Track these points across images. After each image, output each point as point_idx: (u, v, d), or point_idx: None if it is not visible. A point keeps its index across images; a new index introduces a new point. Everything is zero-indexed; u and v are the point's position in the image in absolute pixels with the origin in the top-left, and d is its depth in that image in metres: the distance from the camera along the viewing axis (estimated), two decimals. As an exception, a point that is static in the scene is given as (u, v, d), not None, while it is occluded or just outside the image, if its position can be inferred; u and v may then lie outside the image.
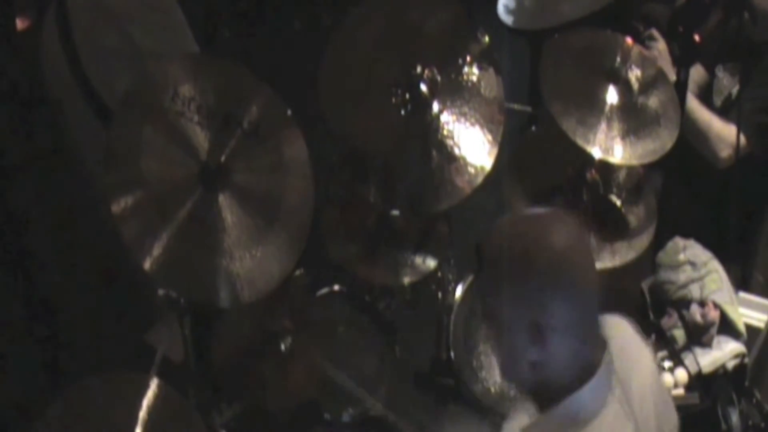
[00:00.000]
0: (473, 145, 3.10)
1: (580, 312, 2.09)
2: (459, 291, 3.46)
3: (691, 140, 3.66)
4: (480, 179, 3.08)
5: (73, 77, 3.25)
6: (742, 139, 3.60)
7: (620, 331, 2.28)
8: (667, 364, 3.34)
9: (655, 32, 3.71)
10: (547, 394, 2.14)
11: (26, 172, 3.48)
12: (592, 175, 3.37)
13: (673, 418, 2.37)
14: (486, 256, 2.14)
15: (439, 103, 3.12)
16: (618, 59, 3.29)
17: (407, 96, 3.12)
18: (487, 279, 2.16)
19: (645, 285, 3.56)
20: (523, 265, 2.06)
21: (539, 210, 2.21)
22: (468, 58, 3.15)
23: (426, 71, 3.12)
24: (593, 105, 3.23)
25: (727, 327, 3.42)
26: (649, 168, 3.45)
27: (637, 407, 2.18)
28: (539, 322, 2.05)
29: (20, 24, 3.50)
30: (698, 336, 3.39)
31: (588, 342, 2.12)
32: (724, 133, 3.65)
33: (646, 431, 2.20)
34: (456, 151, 3.10)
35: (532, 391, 2.18)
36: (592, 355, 2.13)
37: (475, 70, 3.15)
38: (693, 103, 3.68)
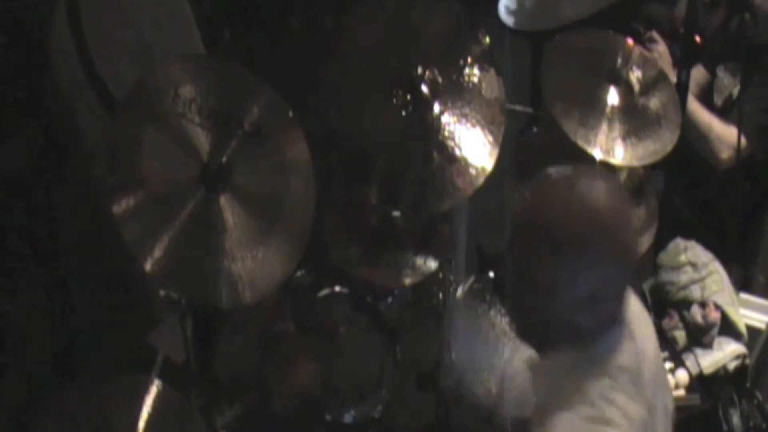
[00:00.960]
0: (474, 146, 3.10)
1: (626, 277, 2.12)
2: (460, 292, 3.46)
3: (692, 142, 3.66)
4: (481, 180, 3.08)
5: (82, 69, 3.26)
6: (743, 140, 3.61)
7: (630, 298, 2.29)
8: (668, 365, 3.34)
9: (655, 34, 3.72)
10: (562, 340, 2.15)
11: (31, 172, 3.49)
12: (593, 176, 3.37)
13: (669, 386, 2.40)
14: (530, 219, 2.09)
15: (440, 104, 3.12)
16: (619, 60, 3.29)
17: (408, 97, 3.12)
18: (530, 247, 2.09)
19: (646, 286, 3.57)
20: (579, 235, 2.02)
21: (572, 171, 2.17)
22: (469, 59, 3.15)
23: (427, 72, 3.11)
24: (594, 106, 3.24)
25: (728, 328, 3.42)
26: (650, 169, 3.45)
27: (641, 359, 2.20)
28: (596, 294, 2.05)
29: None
30: (699, 337, 3.40)
31: (619, 310, 2.15)
32: (724, 134, 3.65)
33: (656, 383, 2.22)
34: (457, 152, 3.09)
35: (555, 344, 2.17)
36: (619, 309, 2.16)
37: (476, 71, 3.15)
38: (693, 105, 3.68)
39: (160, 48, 3.33)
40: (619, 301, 2.14)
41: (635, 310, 2.29)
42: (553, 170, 2.17)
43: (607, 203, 2.06)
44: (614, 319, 2.15)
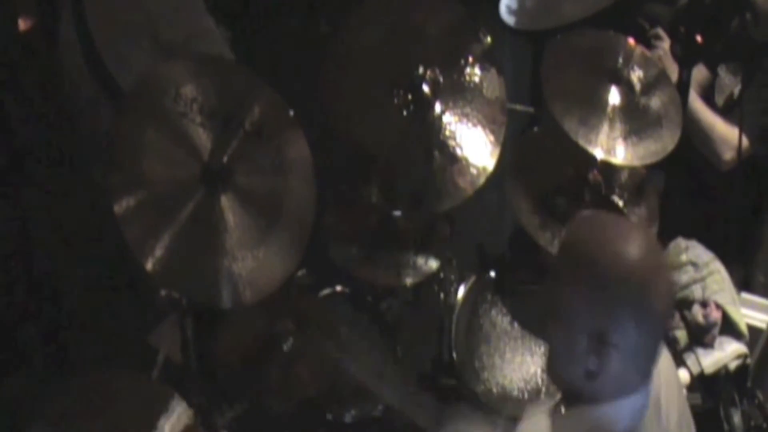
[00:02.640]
0: (475, 145, 3.10)
1: (646, 336, 2.05)
2: (461, 292, 3.46)
3: (695, 142, 3.66)
4: (482, 180, 3.08)
5: (85, 55, 3.27)
6: (745, 140, 3.60)
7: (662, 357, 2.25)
8: (669, 364, 3.34)
9: (660, 31, 3.72)
10: (588, 399, 2.12)
11: (34, 170, 3.49)
12: (594, 175, 3.37)
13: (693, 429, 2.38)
14: (570, 247, 2.10)
15: (442, 103, 3.12)
16: (620, 60, 3.29)
17: (409, 97, 3.12)
18: (562, 272, 2.10)
19: (647, 286, 3.56)
20: (606, 273, 2.02)
21: (628, 220, 2.18)
22: (470, 59, 3.15)
23: (428, 72, 3.12)
24: (595, 106, 3.23)
25: (729, 328, 3.42)
26: (651, 169, 3.44)
27: (665, 419, 2.19)
28: (604, 334, 2.02)
29: (23, 25, 3.51)
30: (700, 337, 3.39)
31: (644, 373, 2.10)
32: (727, 135, 3.65)
33: None
34: (458, 151, 3.10)
35: (579, 397, 2.14)
36: (642, 376, 2.11)
37: (477, 70, 3.15)
38: (696, 104, 3.68)
39: (164, 21, 3.33)
40: (637, 366, 2.09)
41: (663, 375, 2.25)
42: (592, 212, 2.19)
43: (643, 256, 2.04)
44: (632, 386, 2.10)
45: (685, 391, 3.29)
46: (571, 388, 2.15)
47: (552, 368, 2.20)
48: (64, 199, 3.56)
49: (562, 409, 2.20)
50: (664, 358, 2.29)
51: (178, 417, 2.66)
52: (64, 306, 3.63)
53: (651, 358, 2.10)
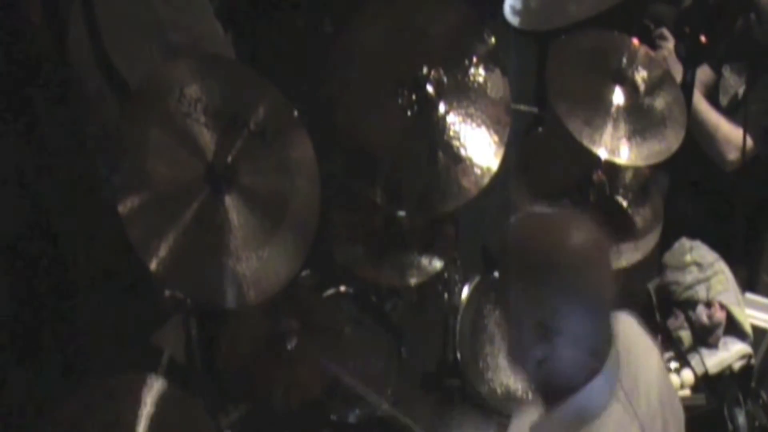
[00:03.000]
0: (480, 146, 3.10)
1: (589, 320, 2.10)
2: (465, 292, 3.46)
3: (699, 142, 3.66)
4: (486, 180, 3.08)
5: (95, 56, 3.27)
6: (749, 141, 3.60)
7: (628, 329, 2.29)
8: (674, 365, 3.34)
9: (665, 31, 3.71)
10: (551, 391, 2.16)
11: (39, 171, 3.49)
12: (598, 176, 3.37)
13: (679, 415, 2.37)
14: (506, 246, 2.16)
15: (446, 104, 3.12)
16: (624, 60, 3.29)
17: (414, 97, 3.12)
18: (503, 270, 2.19)
19: (651, 286, 3.56)
20: (538, 264, 2.07)
21: (562, 210, 2.22)
22: (474, 59, 3.15)
23: (432, 72, 3.12)
24: (599, 106, 3.23)
25: (733, 328, 3.42)
26: (656, 169, 3.44)
27: (644, 406, 2.19)
28: (546, 322, 2.06)
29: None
30: (704, 337, 3.39)
31: (594, 348, 2.13)
32: (731, 135, 3.65)
33: (651, 431, 2.20)
34: (462, 152, 3.09)
35: (538, 385, 2.20)
36: (597, 359, 2.13)
37: (481, 71, 3.15)
38: (701, 105, 3.67)
39: (172, 23, 3.33)
40: (585, 346, 2.11)
41: (639, 347, 2.29)
42: (534, 209, 2.23)
43: (578, 243, 2.09)
44: (592, 363, 2.12)
45: (687, 391, 3.30)
46: (530, 378, 2.21)
47: (509, 359, 2.28)
48: (72, 198, 3.56)
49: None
50: (642, 343, 2.32)
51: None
52: (68, 307, 3.63)
53: (600, 339, 2.13)
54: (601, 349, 2.14)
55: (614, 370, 2.15)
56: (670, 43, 3.73)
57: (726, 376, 3.36)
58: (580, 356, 2.11)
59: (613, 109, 3.24)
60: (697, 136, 3.63)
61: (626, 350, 2.20)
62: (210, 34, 3.46)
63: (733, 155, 3.66)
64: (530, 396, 2.29)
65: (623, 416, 2.15)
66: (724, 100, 3.82)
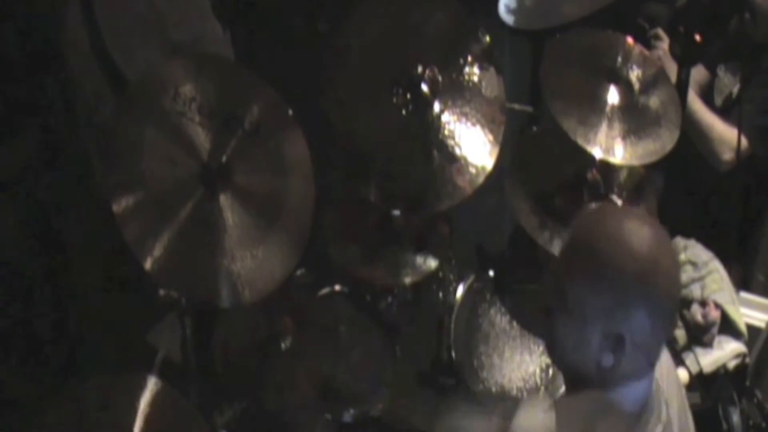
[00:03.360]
0: (474, 145, 3.10)
1: (660, 330, 2.07)
2: (460, 291, 3.46)
3: (694, 142, 3.66)
4: (481, 179, 3.08)
5: (91, 46, 3.27)
6: (744, 141, 3.60)
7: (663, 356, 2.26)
8: (668, 364, 3.35)
9: (660, 32, 3.71)
10: (596, 385, 2.12)
11: (40, 170, 3.49)
12: (592, 175, 3.37)
13: (691, 426, 2.38)
14: (582, 241, 2.09)
15: (440, 103, 3.12)
16: (619, 59, 3.29)
17: (408, 96, 3.11)
18: (571, 267, 2.09)
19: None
20: (615, 266, 2.02)
21: (640, 212, 2.17)
22: (469, 58, 3.15)
23: (427, 71, 3.11)
24: (594, 105, 3.23)
25: (728, 327, 3.42)
26: (650, 168, 3.45)
27: (666, 411, 2.18)
28: (622, 333, 2.02)
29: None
30: (699, 336, 3.40)
31: (653, 359, 2.11)
32: (726, 135, 3.65)
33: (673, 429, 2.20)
34: (457, 151, 3.09)
35: (582, 383, 2.15)
36: (652, 365, 2.12)
37: (476, 69, 3.15)
38: (696, 105, 3.68)
39: (173, 21, 3.33)
40: (649, 356, 2.10)
41: (664, 367, 2.26)
42: (600, 205, 2.18)
43: (649, 244, 2.04)
44: (642, 373, 2.11)
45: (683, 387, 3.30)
46: (582, 379, 2.15)
47: (563, 362, 2.20)
48: (68, 198, 3.56)
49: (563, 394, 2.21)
50: (665, 354, 2.30)
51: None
52: (64, 306, 3.63)
53: (661, 344, 2.12)
54: (656, 355, 2.12)
55: (653, 376, 2.14)
56: (665, 44, 3.73)
57: (721, 375, 3.37)
58: (641, 364, 2.09)
59: (608, 108, 3.24)
60: (692, 136, 3.63)
61: (666, 372, 2.22)
62: (210, 33, 3.46)
63: (727, 155, 3.66)
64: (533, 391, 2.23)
65: (653, 419, 2.13)
66: (718, 100, 3.83)
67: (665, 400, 2.19)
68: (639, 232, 2.05)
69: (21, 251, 3.47)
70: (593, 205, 2.20)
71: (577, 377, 2.16)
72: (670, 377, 2.29)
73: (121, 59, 3.31)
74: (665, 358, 2.30)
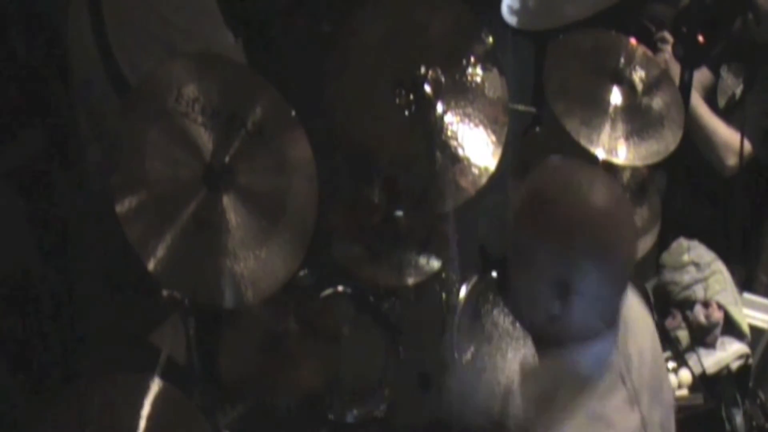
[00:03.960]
0: (477, 145, 3.11)
1: (609, 282, 2.08)
2: (463, 292, 3.46)
3: (698, 147, 3.66)
4: (484, 180, 3.09)
5: (99, 50, 3.27)
6: (748, 144, 3.60)
7: (626, 297, 2.25)
8: (671, 364, 3.34)
9: (667, 34, 3.71)
10: (550, 340, 2.15)
11: (39, 169, 3.49)
12: (595, 175, 3.36)
13: (668, 389, 2.37)
14: (532, 193, 2.10)
15: (443, 103, 3.12)
16: (622, 60, 3.29)
17: (411, 97, 3.12)
18: (520, 221, 2.11)
19: (649, 286, 3.56)
20: (569, 219, 2.03)
21: (584, 164, 2.18)
22: (472, 59, 3.15)
23: (430, 72, 3.12)
24: (597, 106, 3.24)
25: (731, 328, 3.42)
26: (653, 169, 3.44)
27: (637, 374, 2.18)
28: (568, 280, 2.04)
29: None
30: (702, 337, 3.39)
31: (605, 311, 2.12)
32: (731, 141, 3.64)
33: (640, 397, 2.19)
34: (460, 151, 3.10)
35: (542, 337, 2.18)
36: (606, 320, 2.12)
37: (479, 70, 3.15)
38: (701, 109, 3.67)
39: (182, 30, 3.34)
40: (601, 312, 2.11)
41: (635, 316, 2.27)
42: (559, 159, 2.17)
43: (606, 203, 2.05)
44: (596, 331, 2.12)
45: (685, 391, 3.30)
46: (534, 331, 2.20)
47: (516, 311, 2.26)
48: (69, 198, 3.56)
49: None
50: (638, 315, 2.31)
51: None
52: (66, 307, 3.63)
53: (614, 305, 2.13)
54: (610, 313, 2.13)
55: (616, 336, 2.15)
56: (671, 47, 3.73)
57: (723, 376, 3.36)
58: (592, 317, 2.09)
59: (611, 109, 3.24)
60: (697, 141, 3.63)
61: (626, 320, 2.20)
62: (220, 42, 3.47)
63: (732, 161, 3.65)
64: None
65: (616, 383, 2.14)
66: (721, 101, 3.83)
67: (638, 362, 2.19)
68: (591, 184, 2.06)
69: (23, 251, 3.46)
70: (556, 158, 2.19)
71: (532, 328, 2.21)
72: (643, 337, 2.28)
73: (128, 68, 3.31)
74: (640, 319, 2.31)
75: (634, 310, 2.30)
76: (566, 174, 2.11)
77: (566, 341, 2.11)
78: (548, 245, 2.04)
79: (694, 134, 3.56)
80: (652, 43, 3.65)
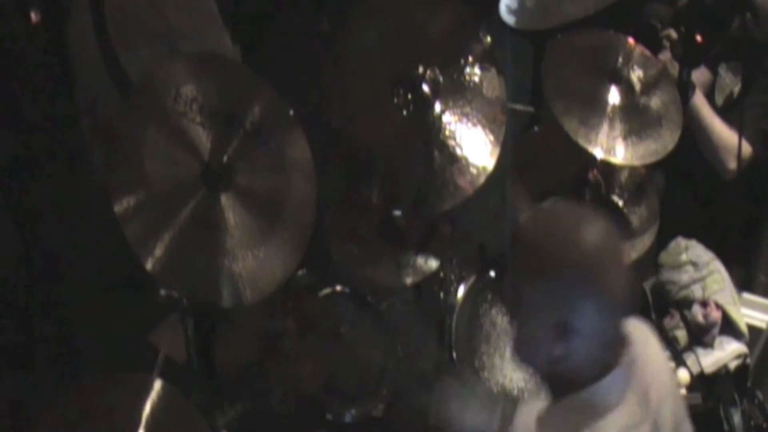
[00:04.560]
0: (475, 145, 3.10)
1: (606, 317, 2.09)
2: (461, 291, 3.46)
3: (700, 149, 3.66)
4: (482, 180, 3.08)
5: (100, 49, 3.27)
6: (748, 147, 3.59)
7: (644, 336, 2.27)
8: (670, 364, 3.34)
9: (673, 32, 3.70)
10: (562, 384, 2.15)
11: (39, 169, 3.49)
12: (594, 175, 3.37)
13: (687, 429, 2.37)
14: (522, 242, 2.13)
15: (442, 103, 3.12)
16: (620, 60, 3.29)
17: (409, 96, 3.12)
18: (513, 267, 2.14)
19: (647, 285, 3.57)
20: (558, 263, 2.05)
21: (573, 206, 2.21)
22: (470, 59, 3.15)
23: (428, 71, 3.11)
24: (595, 105, 3.24)
25: (729, 327, 3.42)
26: (652, 168, 3.45)
27: (655, 411, 2.18)
28: (566, 322, 2.05)
29: (34, 18, 3.51)
30: (700, 336, 3.39)
31: (610, 345, 2.12)
32: (732, 144, 3.62)
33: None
34: (458, 151, 3.10)
35: (548, 379, 2.19)
36: (612, 356, 2.12)
37: (477, 70, 3.15)
38: (704, 111, 3.66)
39: (184, 34, 3.34)
40: (602, 343, 2.11)
41: (650, 354, 2.27)
42: (553, 202, 2.21)
43: (593, 241, 2.07)
44: (605, 363, 2.12)
45: (683, 390, 3.30)
46: (544, 375, 2.20)
47: (519, 355, 2.23)
48: (68, 198, 3.56)
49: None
50: (657, 355, 2.32)
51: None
52: (65, 306, 3.63)
53: (615, 335, 2.13)
54: (615, 345, 2.13)
55: (629, 371, 2.14)
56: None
57: (722, 375, 3.37)
58: (596, 352, 2.10)
59: (609, 109, 3.24)
60: (698, 143, 3.63)
61: (643, 355, 2.19)
62: (220, 46, 3.46)
63: (733, 164, 3.65)
64: (534, 391, 2.26)
65: (635, 415, 2.14)
66: (719, 99, 3.82)
67: (654, 408, 2.19)
68: (586, 228, 2.08)
69: (21, 251, 3.47)
70: (543, 204, 2.23)
71: (541, 373, 2.22)
72: (662, 378, 2.28)
73: (130, 68, 3.31)
74: (659, 359, 2.32)
75: (654, 349, 2.31)
76: (550, 218, 2.15)
77: (578, 383, 2.12)
78: (541, 290, 2.07)
79: (696, 136, 3.56)
80: (658, 40, 3.65)
